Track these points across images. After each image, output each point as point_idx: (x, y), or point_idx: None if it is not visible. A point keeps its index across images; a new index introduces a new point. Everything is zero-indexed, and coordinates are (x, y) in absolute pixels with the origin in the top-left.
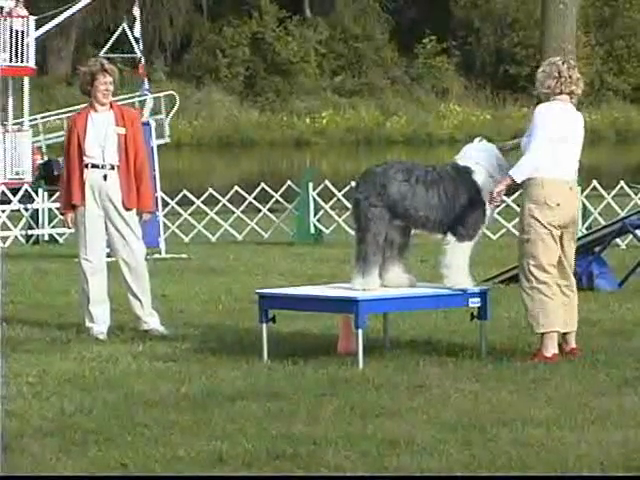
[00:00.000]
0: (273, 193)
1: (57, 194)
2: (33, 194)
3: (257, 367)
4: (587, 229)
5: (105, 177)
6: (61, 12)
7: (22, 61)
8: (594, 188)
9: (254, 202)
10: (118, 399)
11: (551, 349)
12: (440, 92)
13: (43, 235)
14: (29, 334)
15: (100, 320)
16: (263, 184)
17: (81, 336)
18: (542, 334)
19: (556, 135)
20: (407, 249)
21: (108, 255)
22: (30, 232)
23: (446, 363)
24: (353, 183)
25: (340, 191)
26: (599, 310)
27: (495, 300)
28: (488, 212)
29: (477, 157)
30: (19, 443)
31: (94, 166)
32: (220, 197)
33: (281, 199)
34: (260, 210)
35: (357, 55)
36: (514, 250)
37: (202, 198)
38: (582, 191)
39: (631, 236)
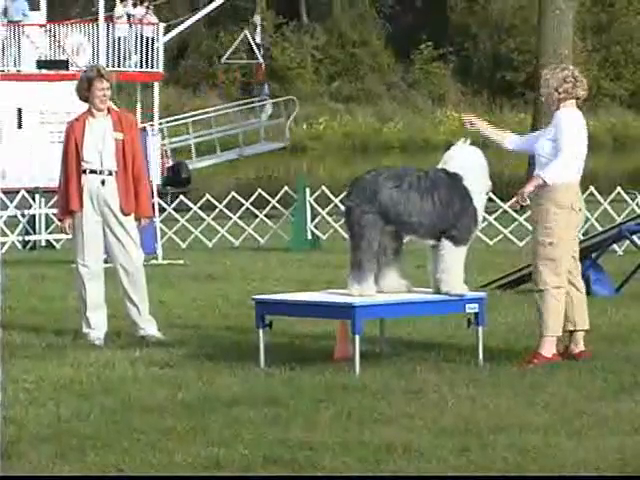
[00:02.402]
0: (270, 199)
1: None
2: (30, 200)
3: (254, 373)
4: (584, 235)
5: (103, 182)
6: (187, 19)
7: (152, 67)
8: (591, 194)
9: (251, 208)
10: (115, 405)
11: (552, 350)
12: (437, 98)
13: (40, 241)
14: (26, 340)
15: (97, 326)
16: (260, 190)
17: (78, 342)
18: (546, 337)
19: (580, 141)
20: (400, 255)
21: (105, 261)
22: (27, 238)
23: (443, 369)
24: None
25: (337, 197)
26: (596, 316)
27: (492, 306)
28: (479, 216)
29: (462, 162)
30: (16, 449)
31: (92, 172)
32: (217, 203)
33: (278, 205)
34: (257, 216)
35: (354, 61)
36: (510, 256)
37: (199, 204)
38: None
39: (628, 242)
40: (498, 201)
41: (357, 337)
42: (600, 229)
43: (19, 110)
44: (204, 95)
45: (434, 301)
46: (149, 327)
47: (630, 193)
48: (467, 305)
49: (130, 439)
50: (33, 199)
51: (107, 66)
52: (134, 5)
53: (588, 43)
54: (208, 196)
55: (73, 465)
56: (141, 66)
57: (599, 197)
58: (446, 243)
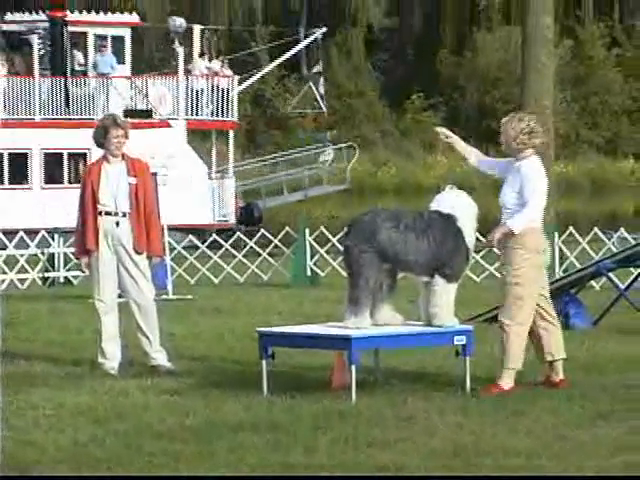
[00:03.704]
0: (272, 238)
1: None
2: (49, 239)
3: (257, 401)
4: (564, 272)
5: (117, 224)
6: (257, 71)
7: (226, 115)
8: (570, 234)
9: (255, 247)
10: (128, 430)
11: (510, 382)
12: (427, 145)
13: (59, 277)
14: (46, 369)
15: (112, 356)
16: (263, 230)
17: (94, 371)
18: (506, 369)
19: (544, 189)
20: (395, 290)
21: (120, 296)
22: (47, 275)
23: (433, 397)
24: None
25: (335, 236)
26: (575, 347)
27: (478, 338)
28: (470, 255)
29: (453, 204)
30: (35, 471)
31: (107, 213)
32: (223, 242)
33: (280, 244)
34: (260, 254)
35: (350, 110)
36: (496, 291)
37: (206, 243)
38: (559, 236)
39: (605, 278)
40: (484, 240)
41: (353, 367)
42: (579, 266)
43: None
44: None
45: (425, 333)
46: (160, 357)
47: (607, 233)
48: (455, 337)
49: (142, 462)
50: (52, 239)
51: (185, 114)
52: (210, 59)
53: (568, 94)
54: (215, 236)
55: None
56: (216, 115)
57: (578, 237)
58: (439, 280)
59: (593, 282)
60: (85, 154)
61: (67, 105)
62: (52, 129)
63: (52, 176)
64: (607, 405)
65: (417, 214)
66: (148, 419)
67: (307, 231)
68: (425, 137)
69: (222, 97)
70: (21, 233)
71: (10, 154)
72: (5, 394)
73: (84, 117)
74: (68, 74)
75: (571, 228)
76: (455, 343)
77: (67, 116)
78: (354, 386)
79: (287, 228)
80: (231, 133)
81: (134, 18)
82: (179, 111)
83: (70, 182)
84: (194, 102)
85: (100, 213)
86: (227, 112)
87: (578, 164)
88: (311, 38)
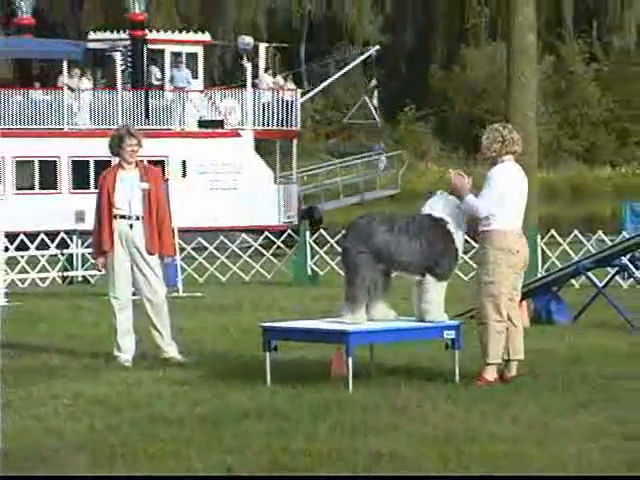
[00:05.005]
0: (275, 240)
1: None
2: (68, 241)
3: (261, 390)
4: (546, 271)
5: (131, 226)
6: (315, 87)
7: (290, 125)
8: (552, 236)
9: (259, 248)
10: (142, 418)
11: (493, 374)
12: (419, 153)
13: (77, 276)
14: (65, 362)
15: (126, 349)
16: (267, 232)
17: (110, 363)
18: (487, 364)
19: (511, 192)
20: (389, 288)
21: (134, 293)
22: (66, 274)
23: (425, 387)
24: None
25: (333, 238)
26: (556, 341)
27: (467, 332)
28: (459, 255)
29: (444, 208)
30: (56, 457)
31: (122, 217)
32: (230, 243)
33: (282, 245)
34: (264, 255)
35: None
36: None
37: (214, 244)
38: (541, 238)
39: (584, 277)
40: (472, 242)
41: (350, 359)
42: (560, 266)
43: (183, 162)
44: None
45: (417, 328)
46: (171, 351)
47: (585, 235)
48: (445, 331)
49: (155, 448)
50: (71, 240)
51: (253, 125)
52: (274, 75)
53: (550, 106)
54: (222, 237)
55: (104, 471)
56: (281, 125)
57: (559, 238)
58: (430, 278)
59: (573, 281)
60: (163, 161)
61: (147, 116)
62: None
63: None
64: (586, 395)
65: (410, 218)
66: (160, 408)
67: (308, 233)
68: (417, 146)
69: (286, 109)
70: (42, 235)
71: (96, 161)
72: (27, 385)
73: (162, 127)
74: (147, 88)
75: (552, 230)
76: (445, 337)
77: (147, 126)
78: (351, 377)
79: (289, 231)
80: (294, 141)
81: (206, 37)
82: (247, 121)
83: None
84: (261, 113)
85: (115, 216)
86: (291, 122)
87: (559, 171)
88: (366, 54)
